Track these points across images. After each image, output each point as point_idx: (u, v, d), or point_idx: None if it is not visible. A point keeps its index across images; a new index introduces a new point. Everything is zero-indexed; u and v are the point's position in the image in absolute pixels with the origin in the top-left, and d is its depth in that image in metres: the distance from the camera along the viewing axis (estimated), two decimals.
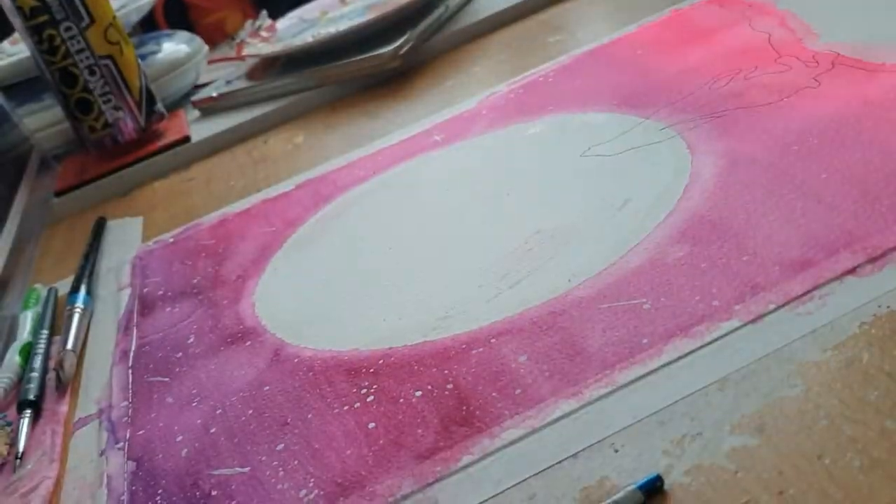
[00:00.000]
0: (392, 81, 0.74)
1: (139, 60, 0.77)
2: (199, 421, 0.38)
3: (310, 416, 0.36)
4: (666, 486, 0.26)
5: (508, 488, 0.29)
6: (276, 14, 0.93)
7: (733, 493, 0.25)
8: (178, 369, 0.43)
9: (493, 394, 0.33)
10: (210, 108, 0.81)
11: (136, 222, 0.66)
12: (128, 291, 0.54)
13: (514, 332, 0.36)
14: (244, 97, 0.79)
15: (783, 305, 0.31)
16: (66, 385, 0.46)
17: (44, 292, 0.57)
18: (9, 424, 0.43)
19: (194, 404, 0.40)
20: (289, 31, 0.88)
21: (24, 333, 0.51)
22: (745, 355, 0.30)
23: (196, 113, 0.82)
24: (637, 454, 0.28)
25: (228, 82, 0.83)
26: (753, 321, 0.31)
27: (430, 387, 0.34)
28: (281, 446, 0.35)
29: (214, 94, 0.81)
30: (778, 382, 0.28)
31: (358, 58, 0.74)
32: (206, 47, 0.91)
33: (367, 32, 0.77)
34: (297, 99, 0.76)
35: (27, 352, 0.49)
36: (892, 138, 0.38)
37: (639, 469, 0.27)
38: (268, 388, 0.39)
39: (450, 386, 0.34)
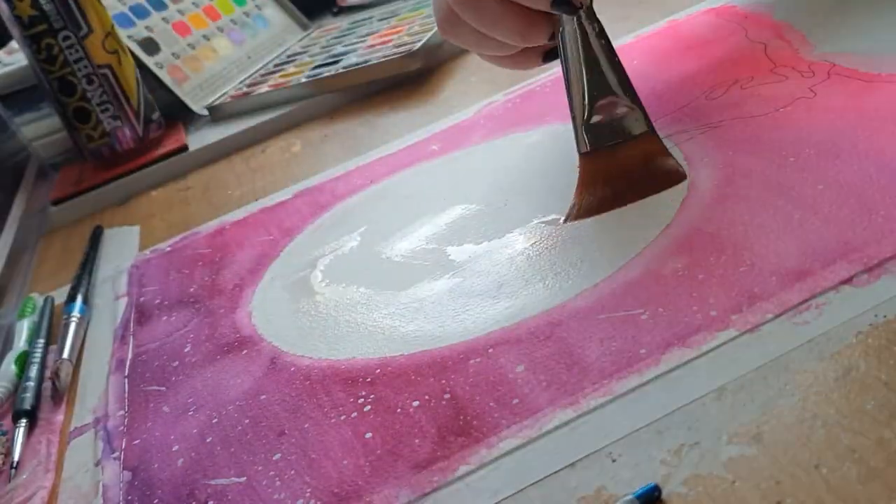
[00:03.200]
0: (390, 91, 0.75)
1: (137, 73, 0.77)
2: (195, 430, 0.38)
3: (307, 425, 0.36)
4: (663, 496, 0.26)
5: (506, 498, 0.28)
6: None
7: (730, 502, 0.25)
8: (174, 378, 0.43)
9: (491, 403, 0.33)
10: (222, 110, 0.81)
11: (133, 231, 0.66)
12: (124, 300, 0.54)
13: (512, 342, 0.36)
14: (251, 102, 0.80)
15: (780, 315, 0.31)
16: (62, 394, 0.46)
17: (40, 301, 0.57)
18: (4, 434, 0.43)
19: (190, 413, 0.40)
20: None
21: (20, 342, 0.51)
22: (743, 365, 0.30)
23: (195, 123, 0.82)
24: (634, 464, 0.28)
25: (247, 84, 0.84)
26: (751, 331, 0.31)
27: (427, 397, 0.34)
28: (277, 456, 0.35)
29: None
30: (775, 392, 0.28)
31: (376, 61, 0.74)
32: None
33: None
34: (294, 108, 0.76)
35: (23, 361, 0.49)
36: (889, 149, 0.38)
37: (636, 479, 0.27)
38: (264, 397, 0.39)
39: (447, 396, 0.34)
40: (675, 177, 0.42)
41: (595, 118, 0.42)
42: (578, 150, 0.43)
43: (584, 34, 0.42)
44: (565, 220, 0.42)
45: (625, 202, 0.42)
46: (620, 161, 0.43)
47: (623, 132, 0.43)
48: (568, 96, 0.43)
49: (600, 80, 0.42)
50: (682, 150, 0.45)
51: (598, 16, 0.42)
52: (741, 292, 0.33)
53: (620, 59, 0.43)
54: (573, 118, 0.43)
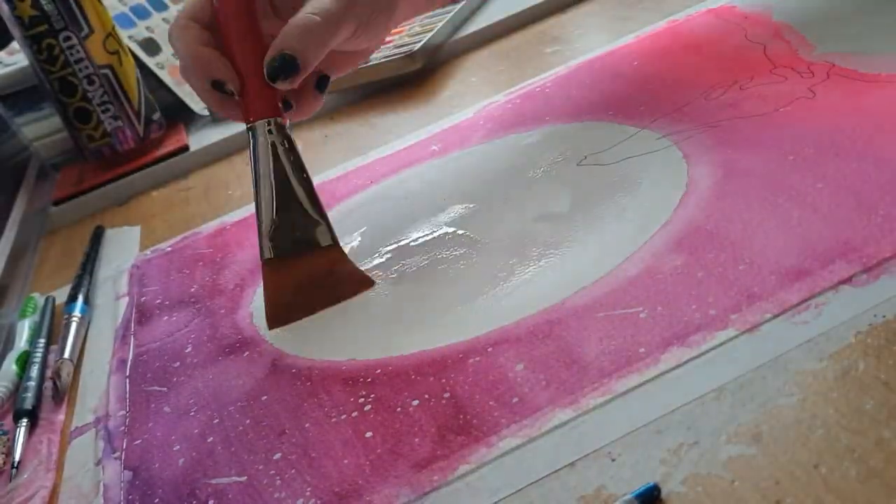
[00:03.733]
0: (390, 92, 0.75)
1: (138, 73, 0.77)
2: (196, 430, 0.38)
3: (307, 425, 0.36)
4: (663, 496, 0.26)
5: (506, 497, 0.29)
6: None
7: (730, 502, 0.25)
8: (175, 379, 0.43)
9: (491, 402, 0.33)
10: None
11: (134, 231, 0.66)
12: (125, 300, 0.54)
13: (512, 341, 0.36)
14: None
15: (779, 314, 0.31)
16: (63, 394, 0.46)
17: (41, 301, 0.57)
18: (5, 434, 0.43)
19: (191, 413, 0.40)
20: None
21: (21, 342, 0.51)
22: (742, 364, 0.30)
23: (196, 123, 0.82)
24: (634, 463, 0.28)
25: None
26: (750, 330, 0.31)
27: (427, 396, 0.35)
28: (278, 455, 0.35)
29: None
30: (774, 391, 0.28)
31: (376, 61, 0.74)
32: None
33: None
34: None
35: (24, 361, 0.49)
36: (887, 148, 0.39)
37: (636, 478, 0.27)
38: (265, 397, 0.39)
39: (447, 395, 0.34)
40: (363, 282, 0.44)
41: (280, 227, 0.43)
42: (262, 257, 0.44)
43: (275, 148, 0.44)
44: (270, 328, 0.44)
45: (314, 310, 0.43)
46: (305, 269, 0.44)
47: (308, 243, 0.44)
48: (255, 204, 0.44)
49: (287, 191, 0.43)
50: (681, 150, 0.45)
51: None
52: (740, 291, 0.33)
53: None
54: (259, 225, 0.44)
